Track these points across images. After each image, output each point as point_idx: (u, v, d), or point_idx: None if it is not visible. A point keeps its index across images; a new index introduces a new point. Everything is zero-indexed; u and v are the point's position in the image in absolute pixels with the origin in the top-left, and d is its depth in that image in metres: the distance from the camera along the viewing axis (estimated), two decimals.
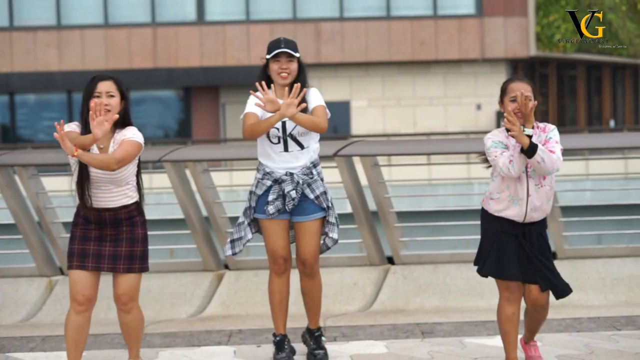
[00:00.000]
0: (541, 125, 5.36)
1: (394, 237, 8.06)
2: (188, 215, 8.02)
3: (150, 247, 5.48)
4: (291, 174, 5.67)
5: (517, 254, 5.35)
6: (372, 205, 8.07)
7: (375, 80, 27.69)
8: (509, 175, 5.23)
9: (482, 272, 5.47)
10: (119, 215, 5.22)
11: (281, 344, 5.83)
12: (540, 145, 5.17)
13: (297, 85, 5.51)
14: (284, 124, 5.66)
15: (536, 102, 5.25)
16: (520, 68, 28.23)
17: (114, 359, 6.11)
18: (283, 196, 5.68)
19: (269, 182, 5.71)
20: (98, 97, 5.12)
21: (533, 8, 27.38)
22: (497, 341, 6.20)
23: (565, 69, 30.24)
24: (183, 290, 8.13)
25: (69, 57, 27.19)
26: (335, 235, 5.84)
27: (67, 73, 27.14)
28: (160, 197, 16.50)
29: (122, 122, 5.21)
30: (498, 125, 24.51)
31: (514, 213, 5.34)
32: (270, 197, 5.68)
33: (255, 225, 5.86)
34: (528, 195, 5.29)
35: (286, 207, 5.69)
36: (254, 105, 5.66)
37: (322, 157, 7.70)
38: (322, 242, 5.87)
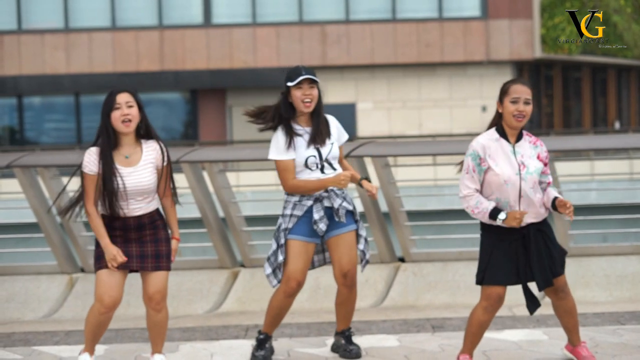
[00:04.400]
0: (534, 137, 5.32)
1: (405, 235, 8.24)
2: (205, 214, 8.19)
3: None
4: (328, 190, 5.77)
5: (510, 259, 5.28)
6: (382, 205, 8.25)
7: (381, 83, 27.79)
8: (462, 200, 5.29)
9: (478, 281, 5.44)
10: (142, 221, 5.43)
11: (264, 342, 5.98)
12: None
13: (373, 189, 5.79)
14: (319, 151, 5.76)
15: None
16: (525, 70, 28.38)
17: (136, 352, 6.31)
18: (326, 213, 5.78)
19: (309, 202, 5.76)
20: (118, 108, 5.35)
21: (538, 10, 27.49)
22: (505, 335, 6.41)
23: (571, 71, 30.36)
24: (199, 287, 8.30)
25: (77, 59, 27.33)
26: (367, 253, 5.96)
27: (74, 76, 27.28)
28: None
29: (146, 132, 5.49)
30: None
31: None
32: (316, 216, 5.73)
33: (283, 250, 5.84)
34: (520, 196, 5.21)
35: (339, 219, 5.74)
36: (285, 149, 5.72)
37: None
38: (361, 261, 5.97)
